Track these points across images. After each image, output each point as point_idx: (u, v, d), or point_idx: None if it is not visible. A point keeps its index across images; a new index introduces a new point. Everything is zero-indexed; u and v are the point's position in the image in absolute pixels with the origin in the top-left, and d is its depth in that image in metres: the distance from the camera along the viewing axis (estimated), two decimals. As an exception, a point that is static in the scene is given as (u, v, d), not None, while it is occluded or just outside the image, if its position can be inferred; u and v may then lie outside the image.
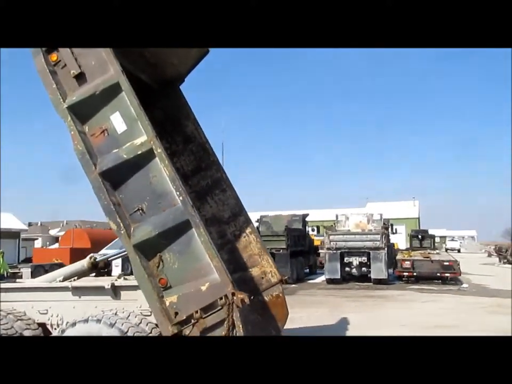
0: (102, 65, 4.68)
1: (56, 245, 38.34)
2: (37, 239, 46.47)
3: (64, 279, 5.76)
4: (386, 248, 18.76)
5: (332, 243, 19.10)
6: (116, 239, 24.04)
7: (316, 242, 24.35)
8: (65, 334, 4.63)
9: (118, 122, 4.63)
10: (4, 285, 5.81)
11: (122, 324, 4.49)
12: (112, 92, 4.61)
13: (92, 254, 6.28)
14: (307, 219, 22.20)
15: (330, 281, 19.41)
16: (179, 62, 6.44)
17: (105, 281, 5.27)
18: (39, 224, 57.24)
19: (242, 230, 6.90)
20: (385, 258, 18.50)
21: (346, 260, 19.14)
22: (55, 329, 5.22)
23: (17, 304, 5.34)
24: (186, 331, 4.22)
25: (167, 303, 4.27)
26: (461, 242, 69.25)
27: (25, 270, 21.17)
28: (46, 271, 16.24)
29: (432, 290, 17.66)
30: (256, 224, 18.74)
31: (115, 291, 5.07)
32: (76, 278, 6.06)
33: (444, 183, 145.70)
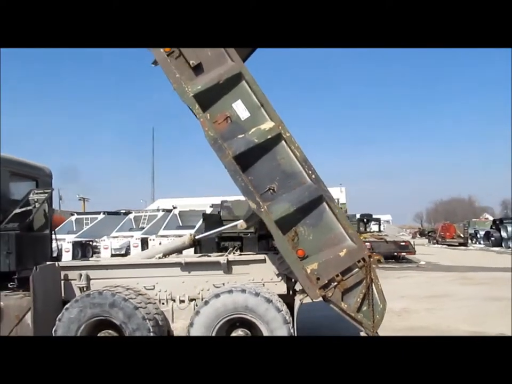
0: (219, 56, 4.99)
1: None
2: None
3: (164, 255, 5.94)
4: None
5: None
6: (64, 223, 23.68)
7: None
8: (209, 306, 4.93)
9: (240, 109, 4.97)
10: (108, 262, 6.01)
11: (266, 293, 4.89)
12: (234, 81, 4.94)
13: (191, 232, 6.56)
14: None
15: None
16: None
17: (219, 257, 5.62)
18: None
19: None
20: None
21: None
22: (163, 303, 5.44)
23: (122, 281, 5.48)
24: (329, 293, 4.73)
25: (309, 271, 4.74)
26: (384, 226, 73.94)
27: None
28: None
29: (394, 268, 19.19)
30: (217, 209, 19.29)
31: (228, 266, 5.42)
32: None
33: (366, 171, 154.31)
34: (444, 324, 8.37)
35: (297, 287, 5.54)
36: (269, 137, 4.87)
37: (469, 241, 38.35)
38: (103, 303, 4.99)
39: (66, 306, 5.06)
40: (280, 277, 5.41)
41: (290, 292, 5.54)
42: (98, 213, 25.05)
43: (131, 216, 24.47)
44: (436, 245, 38.64)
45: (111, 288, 5.13)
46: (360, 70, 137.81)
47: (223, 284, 5.34)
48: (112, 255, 19.67)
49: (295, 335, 4.85)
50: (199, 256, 6.22)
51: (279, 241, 4.75)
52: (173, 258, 5.88)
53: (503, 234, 31.92)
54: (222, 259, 5.45)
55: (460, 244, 37.31)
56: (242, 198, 21.26)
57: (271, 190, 4.89)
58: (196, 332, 4.94)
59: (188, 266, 5.49)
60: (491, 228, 35.55)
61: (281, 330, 4.82)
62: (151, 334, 4.95)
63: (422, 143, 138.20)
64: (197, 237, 6.31)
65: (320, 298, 4.90)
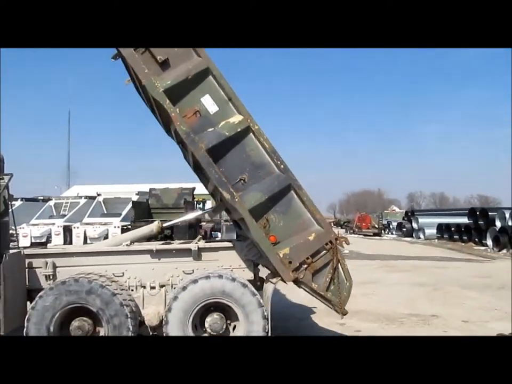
0: (185, 52, 5.11)
1: None
2: None
3: (131, 243, 5.98)
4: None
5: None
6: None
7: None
8: (187, 291, 5.08)
9: (209, 103, 5.14)
10: (75, 249, 5.93)
11: (241, 279, 5.15)
12: (201, 76, 5.10)
13: (159, 220, 6.56)
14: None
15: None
16: None
17: (190, 245, 5.80)
18: None
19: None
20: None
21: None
22: (132, 290, 5.51)
23: (90, 268, 5.46)
24: (301, 275, 5.06)
25: (281, 255, 5.04)
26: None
27: None
28: None
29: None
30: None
31: (198, 253, 5.60)
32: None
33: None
34: (382, 308, 9.13)
35: (262, 274, 5.85)
36: (239, 130, 5.08)
37: (382, 231, 41.19)
38: (80, 290, 5.00)
39: (40, 294, 5.00)
40: (247, 263, 5.68)
41: (257, 278, 5.81)
42: (16, 199, 23.56)
43: (51, 203, 23.38)
44: (353, 235, 40.91)
45: (87, 275, 5.11)
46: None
47: (193, 271, 5.54)
48: (32, 244, 18.67)
49: (269, 318, 5.12)
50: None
51: (253, 229, 5.00)
52: (143, 246, 5.96)
53: (414, 225, 34.70)
54: (193, 246, 5.63)
55: (375, 234, 40.01)
56: (170, 185, 21.12)
57: (242, 181, 5.11)
58: (173, 316, 5.09)
59: (158, 254, 5.60)
60: (403, 219, 38.46)
61: (256, 313, 5.09)
62: (128, 320, 5.03)
63: (335, 136, 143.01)
64: (164, 225, 6.42)
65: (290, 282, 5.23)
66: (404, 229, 36.32)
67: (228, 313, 5.24)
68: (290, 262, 5.05)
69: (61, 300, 4.98)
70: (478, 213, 23.74)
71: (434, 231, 31.06)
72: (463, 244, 25.84)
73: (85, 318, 5.10)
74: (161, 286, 5.56)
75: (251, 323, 5.11)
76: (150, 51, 5.04)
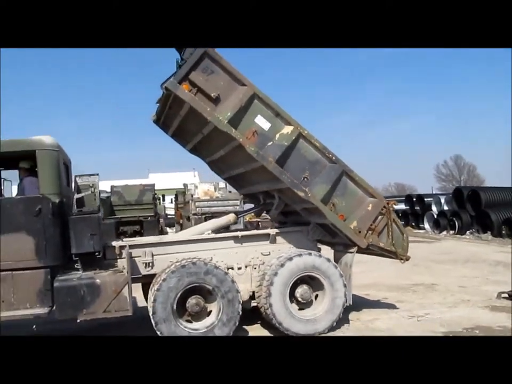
0: (229, 84, 5.87)
1: None
2: None
3: (213, 232, 6.90)
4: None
5: (197, 209, 20.85)
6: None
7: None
8: (285, 267, 6.10)
9: (262, 122, 6.00)
10: (170, 238, 6.77)
11: (325, 255, 6.40)
12: (250, 101, 5.91)
13: (235, 211, 7.49)
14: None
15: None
16: None
17: (269, 230, 6.86)
18: None
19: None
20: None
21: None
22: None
23: (182, 255, 6.18)
24: (370, 239, 6.31)
25: (352, 227, 6.23)
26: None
27: None
28: None
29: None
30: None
31: (274, 237, 6.64)
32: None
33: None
34: (387, 281, 9.92)
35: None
36: (293, 138, 6.02)
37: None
38: (199, 272, 5.78)
39: (163, 277, 5.71)
40: (312, 244, 6.84)
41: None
42: None
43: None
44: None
45: (201, 259, 5.96)
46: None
47: (269, 253, 6.57)
48: None
49: (350, 285, 6.35)
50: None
51: (328, 214, 6.11)
52: (228, 233, 6.88)
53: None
54: (272, 231, 6.67)
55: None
56: (129, 182, 21.33)
57: (305, 178, 6.12)
58: (275, 289, 6.06)
59: (241, 239, 6.56)
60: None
61: (339, 282, 6.28)
62: (239, 294, 5.88)
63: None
64: (238, 215, 7.53)
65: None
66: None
67: (316, 284, 6.34)
68: (359, 231, 6.27)
69: (183, 280, 5.72)
70: (414, 199, 25.33)
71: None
72: (402, 227, 27.45)
73: (198, 296, 5.86)
74: (245, 267, 6.51)
75: (335, 290, 6.27)
76: (203, 90, 5.72)
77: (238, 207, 20.70)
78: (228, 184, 23.02)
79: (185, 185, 22.38)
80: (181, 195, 22.68)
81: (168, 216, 25.66)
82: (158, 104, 6.77)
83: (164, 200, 25.02)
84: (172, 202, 27.32)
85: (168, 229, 24.10)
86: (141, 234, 18.38)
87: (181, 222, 22.12)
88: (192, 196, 21.85)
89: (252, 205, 8.68)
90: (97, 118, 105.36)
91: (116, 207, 19.43)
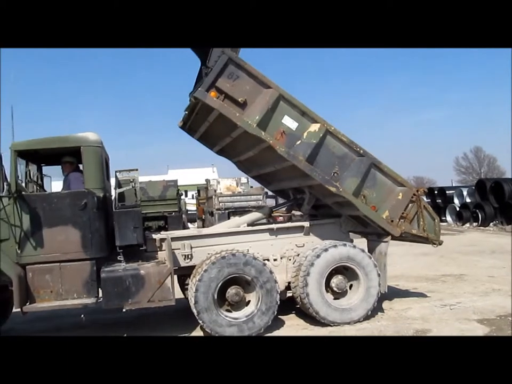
0: (255, 87, 6.08)
1: None
2: None
3: (248, 225, 7.10)
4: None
5: (221, 204, 20.97)
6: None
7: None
8: (321, 258, 6.27)
9: (289, 122, 6.20)
10: (208, 231, 7.01)
11: (359, 246, 6.55)
12: (276, 102, 6.11)
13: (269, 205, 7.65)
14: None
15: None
16: None
17: (303, 222, 6.98)
18: None
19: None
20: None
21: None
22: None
23: (220, 247, 6.39)
24: (402, 227, 6.48)
25: (384, 217, 6.43)
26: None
27: None
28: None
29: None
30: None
31: (308, 229, 6.85)
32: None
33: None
34: (414, 273, 10.06)
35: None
36: (321, 135, 6.22)
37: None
38: (238, 263, 5.97)
39: (205, 268, 5.90)
40: (344, 235, 7.05)
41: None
42: None
43: None
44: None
45: (239, 250, 6.14)
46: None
47: (303, 244, 6.76)
48: None
49: (386, 274, 6.53)
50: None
51: (361, 207, 6.32)
52: (263, 226, 7.07)
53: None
54: (306, 224, 6.86)
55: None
56: (152, 179, 21.74)
57: (335, 174, 6.32)
58: (312, 279, 6.22)
59: (277, 231, 6.77)
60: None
61: (373, 272, 6.46)
62: (277, 284, 6.04)
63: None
64: (273, 209, 7.71)
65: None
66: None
67: (351, 274, 6.51)
68: (392, 221, 6.46)
69: (223, 271, 5.90)
70: (435, 192, 25.12)
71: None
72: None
73: (237, 286, 6.04)
74: (281, 258, 6.69)
75: (370, 280, 6.44)
76: (230, 96, 5.93)
77: (260, 201, 20.81)
78: (253, 180, 23.33)
79: (207, 180, 22.40)
80: (203, 190, 22.88)
81: (189, 212, 25.89)
82: (185, 112, 7.02)
83: (186, 195, 25.25)
84: (193, 198, 27.60)
85: (190, 224, 24.26)
86: (166, 230, 18.67)
87: (203, 218, 22.19)
88: (215, 191, 21.90)
89: (273, 200, 8.90)
90: (116, 115, 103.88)
91: (141, 203, 19.61)
